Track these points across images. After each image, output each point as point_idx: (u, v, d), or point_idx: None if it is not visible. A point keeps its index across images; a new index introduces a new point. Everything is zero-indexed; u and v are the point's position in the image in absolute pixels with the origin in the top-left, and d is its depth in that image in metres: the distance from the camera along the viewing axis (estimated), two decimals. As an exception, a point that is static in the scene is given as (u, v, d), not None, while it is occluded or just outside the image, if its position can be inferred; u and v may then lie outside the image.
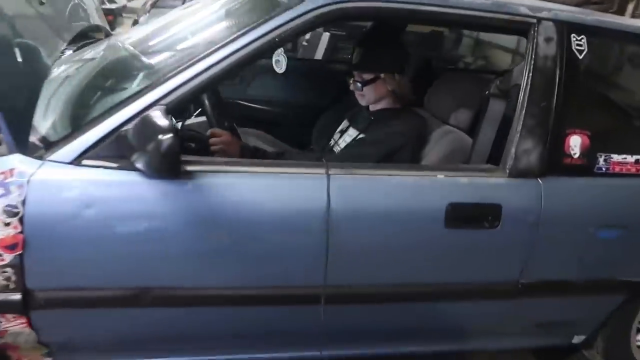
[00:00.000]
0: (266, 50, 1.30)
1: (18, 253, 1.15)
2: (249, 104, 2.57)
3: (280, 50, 1.86)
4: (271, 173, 1.30)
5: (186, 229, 1.22)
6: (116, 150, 1.18)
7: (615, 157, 1.55)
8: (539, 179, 1.47)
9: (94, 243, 1.20)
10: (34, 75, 1.27)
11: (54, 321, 1.27)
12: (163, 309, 1.31)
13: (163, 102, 1.20)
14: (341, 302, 1.40)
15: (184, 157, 1.23)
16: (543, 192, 1.47)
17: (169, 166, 1.09)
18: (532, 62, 1.46)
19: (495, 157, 1.51)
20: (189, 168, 1.21)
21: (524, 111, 1.45)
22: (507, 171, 1.45)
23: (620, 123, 1.69)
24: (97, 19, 2.03)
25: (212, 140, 1.50)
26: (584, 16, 1.60)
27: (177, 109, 1.25)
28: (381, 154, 1.59)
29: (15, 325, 1.23)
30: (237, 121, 2.29)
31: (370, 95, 1.74)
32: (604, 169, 1.54)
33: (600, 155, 1.54)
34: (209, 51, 1.25)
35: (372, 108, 1.80)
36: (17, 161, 1.16)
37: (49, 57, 1.36)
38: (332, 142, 1.89)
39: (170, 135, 1.04)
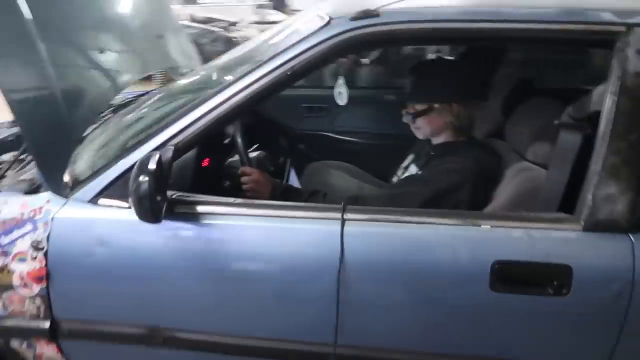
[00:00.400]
0: (280, 85, 1.22)
1: (44, 285, 1.24)
2: (336, 136, 2.50)
3: (342, 82, 1.77)
4: (276, 217, 1.20)
5: (182, 271, 1.18)
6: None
7: None
8: (630, 235, 1.12)
9: (105, 280, 1.23)
10: (76, 121, 1.38)
11: (80, 351, 1.33)
12: (176, 351, 1.28)
13: (172, 142, 1.20)
14: None
15: (194, 197, 1.22)
16: (636, 252, 1.11)
17: (141, 210, 1.06)
18: (618, 81, 1.12)
19: (569, 205, 1.19)
20: (185, 210, 1.19)
21: (606, 145, 1.12)
22: (582, 223, 1.13)
23: None
24: (184, 56, 2.17)
25: (243, 179, 1.45)
26: None
27: (188, 148, 1.24)
28: (429, 195, 1.37)
29: (48, 350, 1.32)
30: (323, 154, 2.24)
31: (424, 128, 1.53)
32: None
33: None
34: (218, 89, 1.22)
35: (433, 142, 1.58)
36: (45, 199, 1.25)
37: (99, 104, 1.47)
38: (395, 178, 1.71)
39: (145, 178, 1.02)
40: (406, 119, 1.56)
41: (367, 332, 1.19)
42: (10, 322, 1.28)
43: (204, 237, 1.19)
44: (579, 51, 2.55)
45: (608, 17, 1.17)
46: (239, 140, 1.51)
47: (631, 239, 1.11)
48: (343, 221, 1.15)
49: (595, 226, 1.12)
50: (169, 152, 1.18)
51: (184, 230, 1.20)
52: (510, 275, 1.13)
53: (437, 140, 1.58)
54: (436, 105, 1.49)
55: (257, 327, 1.23)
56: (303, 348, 1.21)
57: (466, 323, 1.18)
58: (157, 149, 1.20)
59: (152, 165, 1.05)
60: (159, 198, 1.07)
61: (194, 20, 7.38)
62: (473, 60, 1.82)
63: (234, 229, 1.20)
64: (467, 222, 1.17)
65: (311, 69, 1.22)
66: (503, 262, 1.12)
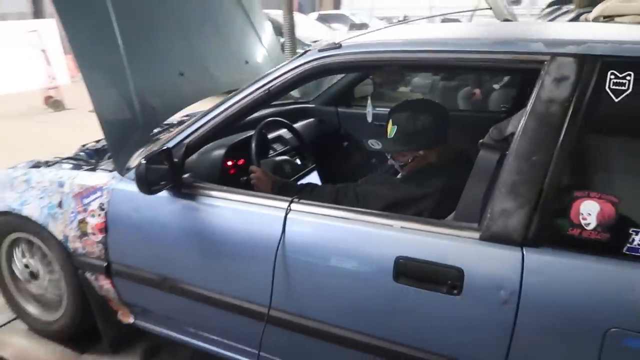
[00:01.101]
0: (264, 100, 1.57)
1: (104, 235, 1.79)
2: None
3: (369, 102, 2.06)
4: (246, 202, 1.55)
5: (183, 237, 1.62)
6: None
7: (665, 237, 1.09)
8: (522, 248, 1.20)
9: (135, 237, 1.73)
10: (145, 125, 1.91)
11: (124, 287, 1.85)
12: (177, 297, 1.71)
13: (185, 142, 1.65)
14: (281, 326, 1.50)
15: (198, 183, 1.64)
16: (526, 265, 1.19)
17: (138, 183, 1.51)
18: (531, 106, 1.22)
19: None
20: (187, 191, 1.62)
21: (509, 164, 1.23)
22: (480, 232, 1.25)
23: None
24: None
25: (250, 175, 1.83)
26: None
27: (196, 147, 1.67)
28: (392, 200, 1.56)
29: (106, 283, 1.87)
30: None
31: (407, 168, 1.70)
32: (640, 250, 1.11)
33: (637, 232, 1.11)
34: (216, 105, 1.63)
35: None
36: (112, 176, 1.80)
37: (164, 115, 2.00)
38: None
39: (143, 162, 1.47)
40: (393, 162, 1.75)
41: (294, 301, 1.47)
42: (86, 259, 1.86)
43: (198, 213, 1.60)
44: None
45: (536, 47, 1.27)
46: (253, 145, 1.89)
47: (522, 252, 1.19)
48: (288, 210, 1.45)
49: (490, 237, 1.23)
50: (182, 149, 1.63)
51: (186, 206, 1.63)
52: (411, 271, 1.30)
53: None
54: (421, 152, 1.65)
55: (225, 286, 1.59)
56: (249, 306, 1.54)
57: (374, 307, 1.37)
58: (174, 147, 1.65)
59: (149, 155, 1.50)
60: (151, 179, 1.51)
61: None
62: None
63: (217, 208, 1.59)
64: (382, 221, 1.37)
65: (286, 89, 1.55)
66: (405, 257, 1.30)
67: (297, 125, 2.49)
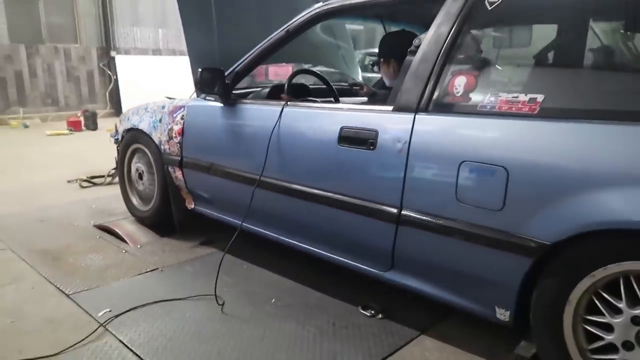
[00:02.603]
0: (284, 38, 2.26)
1: (181, 137, 2.61)
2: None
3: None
4: (264, 105, 2.24)
5: (225, 132, 2.36)
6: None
7: (505, 96, 1.50)
8: (415, 114, 1.68)
9: (197, 136, 2.52)
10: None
11: (189, 175, 2.63)
12: (221, 179, 2.42)
13: (236, 69, 2.41)
14: (266, 188, 2.12)
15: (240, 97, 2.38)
16: (415, 124, 1.67)
17: (195, 84, 2.28)
18: (436, 20, 1.73)
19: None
20: (235, 100, 2.37)
21: (415, 59, 1.73)
22: (392, 107, 1.76)
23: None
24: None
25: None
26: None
27: (242, 72, 2.41)
28: None
29: (179, 174, 2.67)
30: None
31: None
32: (488, 107, 1.53)
33: (486, 94, 1.54)
34: (255, 48, 2.36)
35: None
36: (192, 98, 2.63)
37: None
38: None
39: (199, 70, 2.25)
40: None
41: (279, 168, 2.09)
42: (170, 157, 2.69)
43: (235, 114, 2.33)
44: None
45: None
46: (286, 84, 2.58)
47: (414, 116, 1.68)
48: (284, 106, 2.11)
49: (398, 108, 1.74)
50: (233, 74, 2.39)
51: (228, 111, 2.37)
52: (348, 136, 1.84)
53: None
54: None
55: (244, 164, 2.27)
56: (249, 176, 2.20)
57: (323, 165, 1.93)
58: (229, 74, 2.41)
59: (206, 67, 2.28)
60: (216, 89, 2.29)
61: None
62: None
63: (247, 110, 2.30)
64: (335, 106, 1.95)
65: (300, 29, 2.22)
66: (345, 127, 1.85)
67: None
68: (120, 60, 9.93)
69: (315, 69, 3.39)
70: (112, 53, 9.84)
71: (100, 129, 7.95)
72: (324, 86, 3.00)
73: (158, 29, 10.65)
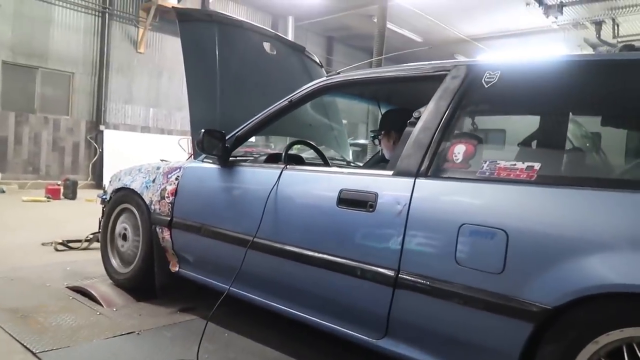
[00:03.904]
0: (287, 107, 2.36)
1: (173, 197, 2.60)
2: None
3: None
4: (261, 168, 2.28)
5: (221, 195, 2.37)
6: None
7: (503, 164, 1.57)
8: (415, 179, 1.73)
9: (191, 197, 2.51)
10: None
11: (176, 236, 2.58)
12: (211, 240, 2.38)
13: (237, 134, 2.47)
14: (259, 250, 2.09)
15: (238, 160, 2.42)
16: (415, 188, 1.71)
17: (197, 145, 2.32)
18: (435, 94, 1.84)
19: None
20: (233, 162, 2.40)
21: (416, 128, 1.82)
22: (392, 172, 1.81)
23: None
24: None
25: None
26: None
27: (243, 137, 2.47)
28: None
29: (167, 235, 2.62)
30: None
31: None
32: (487, 173, 1.59)
33: (485, 162, 1.61)
34: (257, 115, 2.45)
35: None
36: (188, 160, 2.66)
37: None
38: None
39: (202, 131, 2.30)
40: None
41: (274, 230, 2.07)
42: (159, 217, 2.66)
43: (232, 176, 2.36)
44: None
45: (443, 63, 1.94)
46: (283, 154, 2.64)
47: (414, 181, 1.73)
48: (283, 169, 2.15)
49: (398, 173, 1.79)
50: (234, 138, 2.45)
51: (225, 173, 2.39)
52: (348, 198, 1.87)
53: None
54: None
55: (238, 225, 2.25)
56: (242, 236, 2.17)
57: (320, 227, 1.93)
58: (229, 138, 2.47)
59: (209, 129, 2.34)
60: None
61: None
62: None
63: (245, 173, 2.33)
64: (335, 170, 2.00)
65: (302, 100, 2.33)
66: (345, 189, 1.89)
67: None
68: (108, 134, 10.07)
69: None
70: (101, 127, 9.99)
71: (79, 198, 7.84)
72: (318, 160, 3.09)
73: (150, 107, 10.95)
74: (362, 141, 9.04)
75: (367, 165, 3.63)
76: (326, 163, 3.01)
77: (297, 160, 2.84)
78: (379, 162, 3.41)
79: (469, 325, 1.53)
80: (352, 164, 3.69)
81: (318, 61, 3.91)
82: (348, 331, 1.88)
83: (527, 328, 1.40)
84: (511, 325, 1.43)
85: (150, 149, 10.34)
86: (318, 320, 1.97)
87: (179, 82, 11.34)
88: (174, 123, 11.39)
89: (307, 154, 3.16)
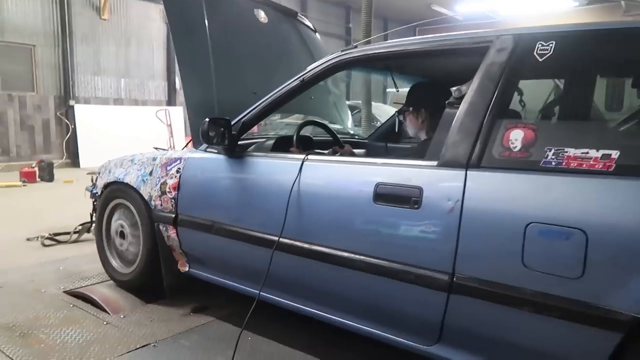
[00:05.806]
0: (299, 87, 2.11)
1: (176, 192, 2.35)
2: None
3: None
4: (275, 158, 2.05)
5: (227, 186, 2.13)
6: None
7: (572, 152, 1.38)
8: (466, 170, 1.53)
9: (196, 192, 2.27)
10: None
11: (183, 234, 2.35)
12: (226, 239, 2.16)
13: (243, 120, 2.22)
14: (286, 251, 1.90)
15: (246, 149, 2.18)
16: (467, 181, 1.52)
17: (202, 135, 2.07)
18: (479, 71, 1.62)
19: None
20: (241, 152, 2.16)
21: (461, 111, 1.61)
22: (436, 162, 1.61)
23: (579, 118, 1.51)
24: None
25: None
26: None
27: (249, 123, 2.22)
28: None
29: (173, 233, 2.39)
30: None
31: None
32: (553, 163, 1.40)
33: (550, 149, 1.42)
34: (266, 97, 2.19)
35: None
36: (189, 150, 2.41)
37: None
38: None
39: (207, 120, 2.04)
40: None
41: (300, 229, 1.87)
42: (161, 214, 2.42)
43: (242, 167, 2.12)
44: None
45: (483, 33, 1.70)
46: (294, 136, 2.41)
47: (466, 173, 1.53)
48: (304, 160, 1.92)
49: (444, 163, 1.59)
50: (239, 124, 2.20)
51: (234, 163, 2.16)
52: (386, 193, 1.67)
53: None
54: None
55: (257, 223, 2.04)
56: (264, 236, 1.97)
57: (356, 225, 1.73)
58: (235, 123, 2.22)
59: (214, 118, 2.08)
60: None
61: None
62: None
63: (258, 164, 2.10)
64: (366, 160, 1.78)
65: (316, 79, 2.08)
66: (381, 183, 1.68)
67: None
68: (80, 109, 9.55)
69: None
70: (71, 102, 9.45)
71: (57, 180, 7.45)
72: (327, 137, 2.86)
73: (120, 78, 10.37)
74: (350, 102, 8.75)
75: (374, 137, 3.42)
76: (337, 141, 2.79)
77: (307, 143, 2.62)
78: (387, 133, 3.22)
79: (541, 335, 1.38)
80: (356, 137, 3.48)
81: (312, 26, 3.61)
82: (394, 337, 1.72)
83: (614, 339, 1.26)
84: (594, 336, 1.28)
85: (126, 122, 9.87)
86: (360, 326, 1.81)
87: (148, 50, 10.76)
88: (147, 93, 10.85)
89: (312, 132, 2.93)
